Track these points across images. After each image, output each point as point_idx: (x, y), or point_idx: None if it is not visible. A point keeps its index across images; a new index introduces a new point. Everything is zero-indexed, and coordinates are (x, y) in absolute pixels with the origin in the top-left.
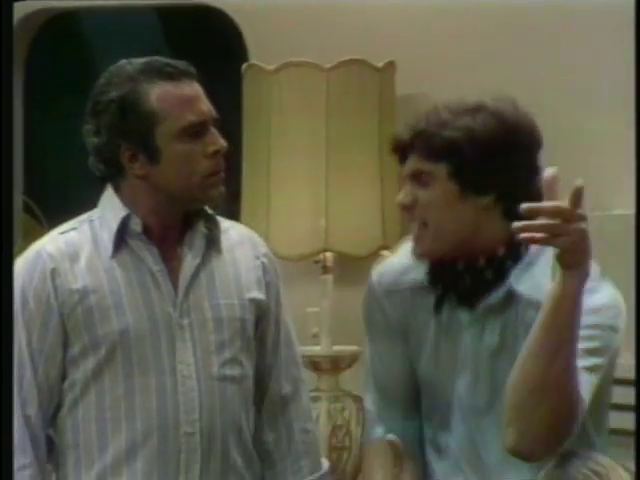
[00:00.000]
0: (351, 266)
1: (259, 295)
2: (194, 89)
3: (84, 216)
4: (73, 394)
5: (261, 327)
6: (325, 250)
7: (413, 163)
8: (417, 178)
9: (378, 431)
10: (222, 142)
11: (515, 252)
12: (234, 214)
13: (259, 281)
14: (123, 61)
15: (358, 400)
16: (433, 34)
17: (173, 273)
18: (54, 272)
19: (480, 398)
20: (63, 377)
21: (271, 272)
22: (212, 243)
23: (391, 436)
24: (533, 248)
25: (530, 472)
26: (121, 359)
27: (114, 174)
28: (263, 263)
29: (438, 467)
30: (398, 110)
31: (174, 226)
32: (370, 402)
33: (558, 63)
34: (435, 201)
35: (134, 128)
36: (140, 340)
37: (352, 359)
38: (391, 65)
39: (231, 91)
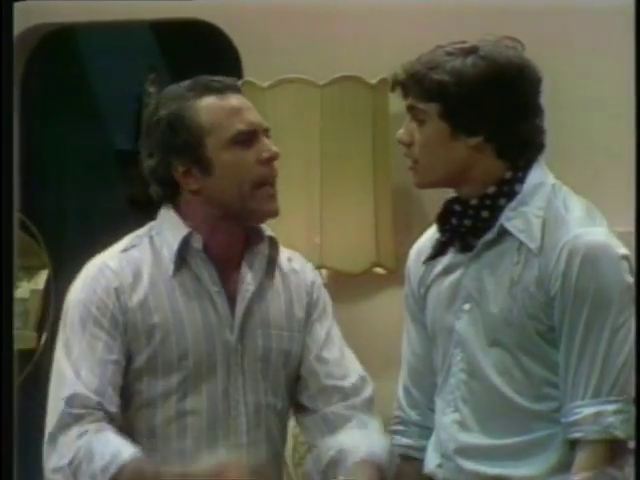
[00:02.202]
0: (345, 283)
1: (304, 327)
2: (241, 100)
3: (143, 230)
4: (127, 410)
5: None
6: (319, 267)
7: (409, 100)
8: (414, 114)
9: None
10: (275, 149)
11: (508, 191)
12: None
13: (306, 315)
14: (173, 85)
15: None
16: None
17: (231, 294)
18: (118, 290)
19: (480, 332)
20: (121, 393)
21: (319, 290)
22: (271, 267)
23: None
24: (527, 187)
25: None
26: (177, 382)
27: (170, 194)
28: (313, 287)
29: (437, 403)
30: (391, 127)
31: (234, 245)
32: (399, 389)
33: (559, 69)
34: (428, 139)
35: (184, 143)
36: (197, 364)
37: None
38: (385, 82)
39: None
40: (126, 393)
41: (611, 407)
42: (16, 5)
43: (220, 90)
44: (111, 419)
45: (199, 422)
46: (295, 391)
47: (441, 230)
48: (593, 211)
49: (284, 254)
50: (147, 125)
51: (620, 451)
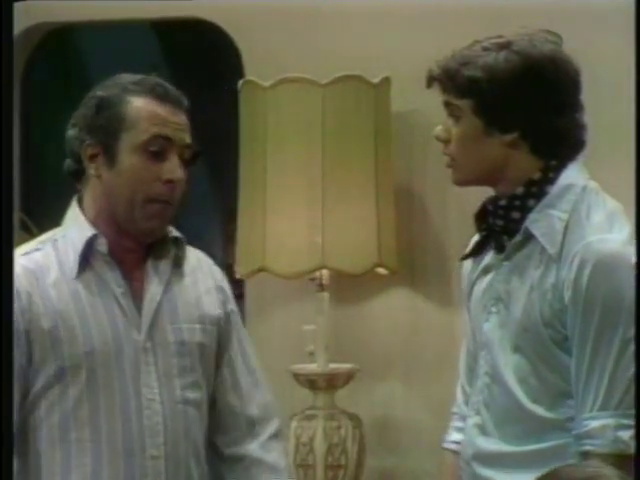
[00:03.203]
0: (347, 283)
1: (220, 321)
2: (178, 116)
3: (47, 235)
4: (37, 415)
5: (222, 353)
6: (321, 267)
7: (445, 96)
8: (450, 111)
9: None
10: (180, 174)
11: (537, 191)
12: (231, 232)
13: (220, 307)
14: (128, 74)
15: (354, 418)
16: (430, 50)
17: (137, 294)
18: (23, 291)
19: (505, 336)
20: (25, 397)
21: (231, 299)
22: (177, 266)
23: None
24: (556, 188)
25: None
26: (86, 381)
27: (77, 172)
28: (223, 289)
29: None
30: (394, 126)
31: (138, 247)
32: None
33: None
34: (463, 136)
35: (102, 127)
36: (105, 362)
37: (348, 377)
38: (387, 81)
39: (227, 107)
40: (33, 398)
41: (619, 421)
42: (16, 4)
43: (161, 97)
44: None
45: (113, 423)
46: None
47: (478, 229)
48: (616, 217)
49: (192, 253)
50: (84, 98)
51: (629, 466)
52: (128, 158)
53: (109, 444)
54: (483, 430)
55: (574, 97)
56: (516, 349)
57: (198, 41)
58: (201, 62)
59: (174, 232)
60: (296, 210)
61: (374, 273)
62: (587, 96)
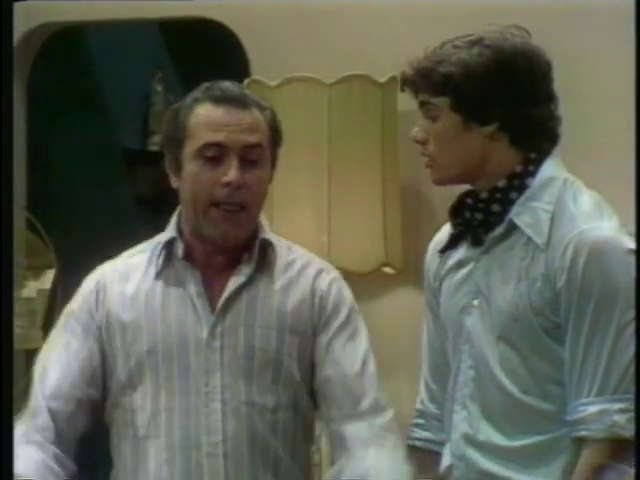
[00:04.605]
0: (354, 283)
1: (305, 329)
2: (235, 116)
3: (159, 236)
4: (110, 412)
5: (308, 359)
6: None
7: (420, 96)
8: (426, 111)
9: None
10: (234, 175)
11: (518, 184)
12: None
13: (311, 316)
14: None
15: None
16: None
17: (215, 297)
18: (103, 288)
19: (488, 328)
20: (101, 391)
21: (327, 310)
22: (263, 268)
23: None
24: (537, 181)
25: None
26: (149, 378)
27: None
28: (324, 298)
29: (448, 401)
30: (400, 125)
31: (221, 253)
32: (421, 383)
33: (561, 72)
34: (442, 133)
35: (172, 139)
36: (168, 360)
37: None
38: (393, 80)
39: None
40: (112, 400)
41: (616, 405)
42: (22, 4)
43: (217, 100)
44: (56, 422)
45: (172, 419)
46: (313, 397)
47: (453, 223)
48: (603, 206)
49: (300, 259)
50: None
51: (626, 450)
52: (188, 166)
53: (168, 440)
54: (473, 424)
55: (547, 88)
56: (502, 340)
57: (204, 41)
58: (207, 62)
59: (265, 235)
60: (302, 210)
61: (381, 272)
62: (587, 96)
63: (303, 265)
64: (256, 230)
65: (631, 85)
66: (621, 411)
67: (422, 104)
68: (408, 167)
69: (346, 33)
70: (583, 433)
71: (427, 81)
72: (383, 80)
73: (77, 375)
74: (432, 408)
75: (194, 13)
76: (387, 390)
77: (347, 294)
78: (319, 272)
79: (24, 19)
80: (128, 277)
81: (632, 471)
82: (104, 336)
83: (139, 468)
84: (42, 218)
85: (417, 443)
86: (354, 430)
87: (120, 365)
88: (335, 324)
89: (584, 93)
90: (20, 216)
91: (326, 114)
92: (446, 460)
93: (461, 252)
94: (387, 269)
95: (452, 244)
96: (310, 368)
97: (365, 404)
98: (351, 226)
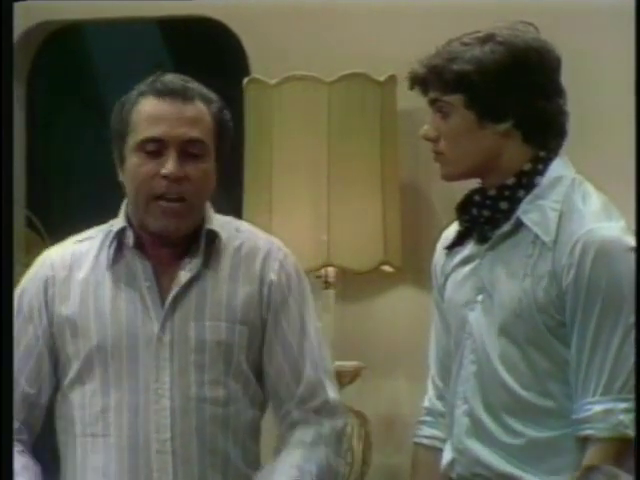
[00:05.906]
0: (353, 281)
1: (254, 319)
2: (176, 109)
3: (106, 224)
4: (58, 408)
5: (256, 349)
6: (327, 265)
7: (431, 94)
8: (438, 108)
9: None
10: (172, 168)
11: (527, 182)
12: None
13: (259, 302)
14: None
15: (360, 416)
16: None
17: (164, 290)
18: (49, 281)
19: (491, 324)
20: (51, 387)
21: (278, 291)
22: (210, 259)
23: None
24: (546, 180)
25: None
26: (98, 374)
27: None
28: (275, 282)
29: (450, 396)
30: (399, 124)
31: (168, 245)
32: (428, 380)
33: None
34: (455, 131)
35: (116, 131)
36: (117, 355)
37: (354, 374)
38: (393, 79)
39: (232, 105)
40: (61, 397)
41: (622, 405)
42: (21, 3)
43: (160, 93)
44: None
45: (121, 416)
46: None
47: (460, 220)
48: (610, 207)
49: (248, 240)
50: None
51: (631, 450)
52: (129, 160)
53: (117, 439)
54: (475, 419)
55: (557, 83)
56: (504, 336)
57: (203, 39)
58: (207, 60)
59: (211, 226)
60: (302, 208)
61: (380, 270)
62: (587, 96)
63: (251, 249)
64: (202, 221)
65: (631, 85)
66: (627, 410)
67: (433, 101)
68: (407, 166)
69: (345, 32)
70: (588, 432)
71: (439, 79)
72: (382, 79)
73: (28, 374)
74: (439, 406)
75: (194, 12)
76: (386, 388)
77: (295, 279)
78: (266, 257)
79: (23, 19)
80: (78, 266)
81: (622, 473)
82: (55, 332)
83: (87, 466)
84: (41, 216)
85: (424, 441)
86: (291, 421)
87: (69, 360)
88: (282, 316)
89: (584, 93)
90: (19, 213)
91: (325, 112)
92: (448, 455)
93: (467, 249)
94: (386, 267)
95: (459, 241)
96: (259, 358)
97: (303, 389)
98: (350, 225)
